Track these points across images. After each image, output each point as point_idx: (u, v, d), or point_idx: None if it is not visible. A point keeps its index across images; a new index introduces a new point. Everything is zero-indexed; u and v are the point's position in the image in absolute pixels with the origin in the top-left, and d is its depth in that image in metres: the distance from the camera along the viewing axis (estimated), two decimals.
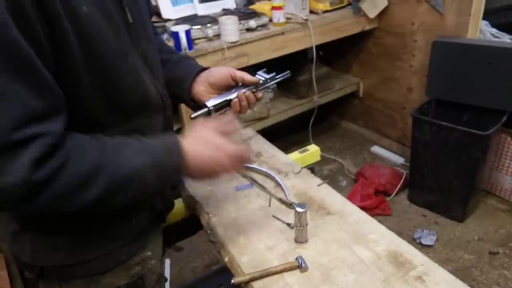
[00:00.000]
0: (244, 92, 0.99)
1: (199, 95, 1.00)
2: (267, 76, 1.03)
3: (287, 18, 2.23)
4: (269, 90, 1.05)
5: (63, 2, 0.63)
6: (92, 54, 0.69)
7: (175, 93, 1.01)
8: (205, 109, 0.95)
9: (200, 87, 1.00)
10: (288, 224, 0.99)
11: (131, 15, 0.80)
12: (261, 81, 1.02)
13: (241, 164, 0.88)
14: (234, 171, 0.88)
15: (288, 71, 1.07)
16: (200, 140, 0.82)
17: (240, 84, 1.01)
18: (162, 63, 0.99)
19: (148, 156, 0.74)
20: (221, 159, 0.81)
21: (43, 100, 0.62)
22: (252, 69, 2.74)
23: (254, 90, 1.01)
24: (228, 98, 0.98)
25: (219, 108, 0.97)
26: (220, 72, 1.00)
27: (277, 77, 1.06)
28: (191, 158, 0.78)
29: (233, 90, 0.99)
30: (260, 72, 1.04)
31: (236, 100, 0.98)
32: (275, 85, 1.06)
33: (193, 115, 0.97)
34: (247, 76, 0.99)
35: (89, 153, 0.67)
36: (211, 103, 0.96)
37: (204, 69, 1.03)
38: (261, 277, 0.86)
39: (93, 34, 0.69)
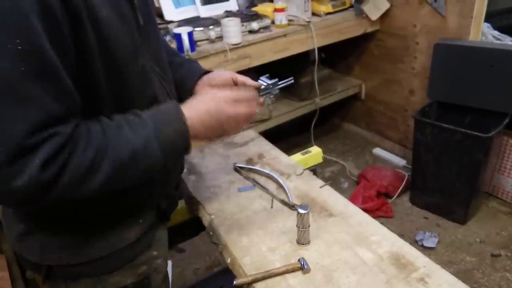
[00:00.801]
0: None
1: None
2: (270, 82, 1.02)
3: (289, 20, 2.24)
4: (271, 96, 1.04)
5: (86, 6, 0.65)
6: (109, 57, 0.71)
7: (177, 94, 1.01)
8: None
9: (201, 90, 1.01)
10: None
11: (142, 17, 0.81)
12: (262, 86, 1.01)
13: (249, 111, 0.85)
14: (244, 120, 0.85)
15: (292, 78, 1.07)
16: (201, 99, 0.82)
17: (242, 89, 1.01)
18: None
19: (148, 130, 0.73)
20: (226, 109, 0.81)
21: (62, 105, 0.63)
22: (255, 74, 2.75)
23: (259, 94, 1.00)
24: None
25: None
26: (222, 75, 1.00)
27: (279, 83, 1.05)
28: (194, 118, 0.78)
29: None
30: (262, 78, 1.03)
31: None
32: (277, 90, 1.05)
33: None
34: (248, 81, 1.00)
35: (93, 139, 0.68)
36: None
37: (206, 72, 1.03)
38: (263, 278, 0.86)
39: (110, 38, 0.70)
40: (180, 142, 0.77)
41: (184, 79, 1.02)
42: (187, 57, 1.08)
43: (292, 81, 1.07)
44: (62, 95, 0.64)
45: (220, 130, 0.83)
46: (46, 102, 0.61)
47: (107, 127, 0.71)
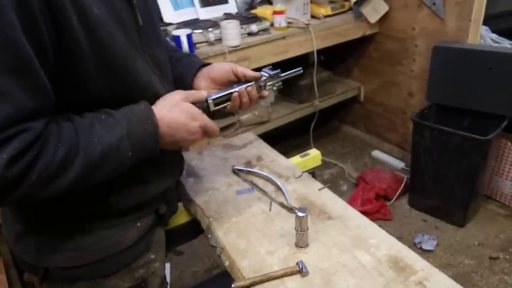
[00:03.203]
0: (246, 88, 0.96)
1: (199, 88, 0.99)
2: (272, 73, 1.00)
3: (289, 23, 2.24)
4: (274, 88, 1.02)
5: (74, 4, 0.64)
6: (102, 57, 0.70)
7: (178, 89, 1.00)
8: (204, 103, 0.91)
9: (201, 82, 1.00)
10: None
11: (141, 18, 0.80)
12: (263, 77, 0.99)
13: (210, 134, 0.89)
14: (200, 139, 0.88)
15: (300, 68, 1.03)
16: (172, 105, 0.82)
17: (242, 80, 0.99)
18: None
19: (120, 129, 0.73)
20: (193, 124, 0.83)
21: (35, 101, 0.62)
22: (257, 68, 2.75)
23: (259, 87, 0.98)
24: (227, 92, 0.94)
25: (219, 102, 0.94)
26: (221, 67, 0.99)
27: (283, 74, 1.02)
28: (164, 122, 0.79)
29: (235, 86, 0.97)
30: (265, 69, 1.01)
31: (236, 94, 0.95)
32: (280, 83, 1.02)
33: None
34: (249, 72, 0.98)
35: (63, 138, 0.67)
36: (209, 97, 0.93)
37: (206, 64, 1.02)
38: (261, 281, 0.86)
39: (104, 36, 0.69)
40: (150, 143, 0.78)
41: (183, 73, 1.01)
42: (185, 53, 1.05)
43: (301, 71, 1.02)
44: (36, 91, 0.62)
45: (180, 141, 0.85)
46: (19, 97, 0.60)
47: (79, 125, 0.70)
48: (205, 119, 0.86)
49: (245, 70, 0.98)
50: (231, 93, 0.95)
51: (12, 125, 0.60)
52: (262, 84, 0.99)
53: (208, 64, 1.03)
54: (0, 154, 0.59)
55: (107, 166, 0.72)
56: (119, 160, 0.74)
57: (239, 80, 0.99)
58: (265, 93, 1.01)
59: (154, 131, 0.78)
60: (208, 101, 0.91)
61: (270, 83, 1.01)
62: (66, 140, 0.67)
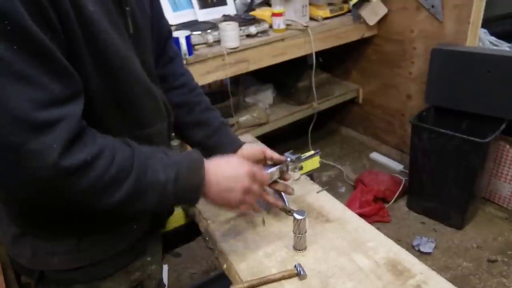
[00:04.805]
0: (273, 173, 1.03)
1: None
2: (293, 157, 1.09)
3: (287, 25, 2.24)
4: (296, 170, 1.11)
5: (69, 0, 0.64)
6: (99, 54, 0.70)
7: (206, 156, 1.03)
8: None
9: None
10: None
11: (134, 26, 0.80)
12: (288, 159, 1.08)
13: (259, 181, 0.90)
14: (248, 186, 0.88)
15: (318, 150, 1.15)
16: (227, 162, 0.87)
17: (270, 162, 1.06)
18: (200, 122, 1.05)
19: (171, 171, 0.76)
20: (239, 170, 0.86)
21: (61, 84, 0.63)
22: (253, 79, 2.75)
23: (283, 169, 1.06)
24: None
25: None
26: (254, 148, 1.07)
27: (303, 157, 1.12)
28: (211, 177, 0.82)
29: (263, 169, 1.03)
30: (287, 153, 1.10)
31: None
32: (301, 165, 1.12)
33: None
34: (275, 155, 1.05)
35: (119, 156, 0.70)
36: None
37: (240, 144, 1.08)
38: (259, 284, 0.86)
39: (100, 34, 0.69)
40: (191, 194, 0.81)
41: (217, 149, 1.05)
42: (220, 117, 1.11)
43: (319, 154, 1.15)
44: (59, 74, 0.63)
45: (229, 197, 0.86)
46: (44, 80, 0.61)
47: (137, 153, 0.73)
48: (252, 166, 0.89)
49: (272, 154, 1.06)
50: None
51: (45, 109, 0.61)
52: (285, 168, 1.07)
53: (242, 143, 1.09)
54: (47, 139, 0.61)
55: (150, 200, 0.75)
56: (160, 198, 0.76)
57: (265, 161, 1.07)
58: (288, 176, 1.08)
59: (199, 185, 0.81)
60: None
61: (291, 166, 1.09)
62: (120, 161, 0.70)
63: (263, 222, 1.05)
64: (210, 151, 1.04)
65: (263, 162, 1.07)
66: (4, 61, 0.58)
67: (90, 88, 0.71)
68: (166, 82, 1.01)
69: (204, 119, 1.06)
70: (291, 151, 1.12)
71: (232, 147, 1.07)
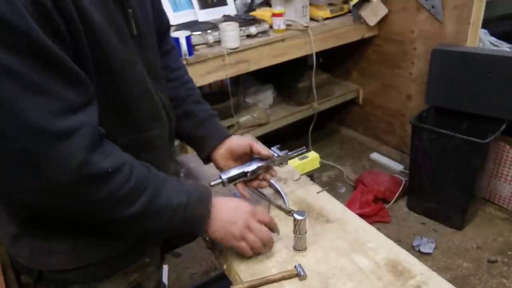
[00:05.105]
0: (257, 168, 1.03)
1: (217, 156, 1.06)
2: (281, 153, 1.08)
3: (288, 25, 2.24)
4: (281, 165, 1.09)
5: (77, 8, 0.65)
6: (101, 62, 0.71)
7: (194, 147, 1.10)
8: (219, 180, 1.01)
9: (221, 150, 1.06)
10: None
11: (137, 27, 0.80)
12: (275, 155, 1.06)
13: (261, 219, 0.93)
14: (249, 222, 0.90)
15: (304, 148, 1.13)
16: (235, 205, 0.91)
17: (255, 157, 1.06)
18: (187, 114, 1.05)
19: (183, 198, 0.79)
20: (243, 205, 0.91)
21: (75, 90, 0.65)
22: (253, 79, 2.75)
23: (269, 164, 1.05)
24: (241, 171, 1.02)
25: (233, 179, 1.02)
26: (240, 141, 1.06)
27: (290, 153, 1.11)
28: (216, 210, 0.86)
29: (247, 164, 1.04)
30: (273, 148, 1.10)
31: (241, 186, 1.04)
32: (287, 161, 1.10)
33: (212, 183, 1.01)
34: (263, 151, 1.04)
35: (136, 173, 0.72)
36: (225, 175, 1.01)
37: (227, 135, 1.08)
38: (259, 285, 0.86)
39: (102, 42, 0.70)
40: (198, 223, 0.85)
41: (206, 138, 1.07)
42: (209, 109, 1.11)
43: (305, 150, 1.13)
44: (73, 82, 0.65)
45: (231, 229, 0.88)
46: (59, 89, 0.63)
47: (153, 175, 0.76)
48: (254, 212, 0.92)
49: (260, 149, 1.04)
50: (245, 172, 1.02)
51: (62, 117, 0.62)
52: (271, 163, 1.06)
53: (229, 135, 1.09)
54: (69, 146, 0.63)
55: (157, 222, 0.77)
56: (168, 223, 0.79)
57: (251, 156, 1.06)
58: (274, 172, 1.07)
59: (205, 214, 0.85)
60: (224, 180, 1.00)
61: (278, 161, 1.08)
62: (138, 178, 0.73)
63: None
64: (198, 142, 1.07)
65: (250, 155, 1.06)
66: (20, 75, 0.59)
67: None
68: None
69: (192, 111, 1.07)
70: (278, 146, 1.11)
71: (220, 138, 1.06)
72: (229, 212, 0.88)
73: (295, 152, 1.12)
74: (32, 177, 0.63)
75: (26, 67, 0.60)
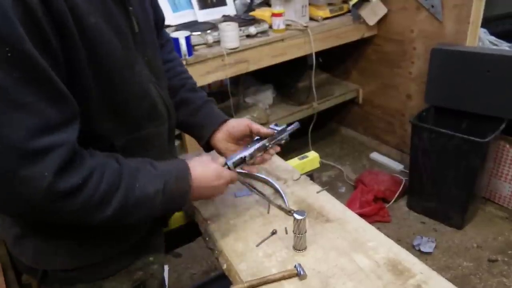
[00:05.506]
0: (258, 149, 1.03)
1: (216, 140, 1.06)
2: (278, 129, 1.08)
3: (287, 25, 2.24)
4: (282, 142, 1.10)
5: (72, 13, 0.64)
6: (99, 66, 0.71)
7: (193, 135, 1.10)
8: (225, 166, 1.00)
9: (220, 134, 1.06)
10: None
11: (138, 24, 0.80)
12: (275, 132, 1.06)
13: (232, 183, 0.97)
14: (222, 193, 0.97)
15: (297, 123, 1.15)
16: (204, 165, 0.89)
17: (256, 138, 1.06)
18: (183, 101, 1.05)
19: (160, 183, 0.78)
20: (220, 183, 0.91)
21: (58, 109, 0.64)
22: (252, 79, 2.75)
23: (268, 143, 1.05)
24: (243, 154, 1.01)
25: (237, 164, 1.01)
26: (239, 123, 1.06)
27: (288, 128, 1.11)
28: (196, 180, 0.85)
29: (249, 146, 1.03)
30: (271, 125, 1.09)
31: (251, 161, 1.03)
32: (287, 137, 1.11)
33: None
34: (262, 129, 1.04)
35: (108, 173, 0.71)
36: (229, 160, 1.00)
37: (225, 119, 1.07)
38: (259, 284, 0.86)
39: (100, 45, 0.70)
40: (178, 201, 0.84)
41: (204, 123, 1.07)
42: (205, 96, 1.12)
43: (299, 126, 1.14)
44: (57, 99, 0.64)
45: (206, 197, 0.94)
46: (41, 107, 0.61)
47: (125, 169, 0.75)
48: (228, 176, 0.93)
49: (259, 128, 1.04)
50: (246, 155, 1.02)
51: (39, 136, 0.61)
52: (272, 141, 1.07)
53: (227, 118, 1.09)
54: (41, 166, 0.62)
55: (138, 213, 0.77)
56: (150, 210, 0.79)
57: (252, 135, 1.06)
58: (272, 151, 1.07)
59: (186, 191, 0.84)
60: (228, 164, 0.98)
61: (278, 138, 1.08)
62: (109, 178, 0.71)
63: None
64: (196, 129, 1.08)
65: (250, 136, 1.06)
66: (2, 89, 0.58)
67: (88, 95, 0.72)
68: None
69: (188, 98, 1.07)
70: (275, 123, 1.11)
71: (217, 123, 1.06)
72: (208, 178, 0.89)
73: (292, 128, 1.12)
74: (7, 192, 0.62)
75: (11, 81, 0.58)
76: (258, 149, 1.03)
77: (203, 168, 0.89)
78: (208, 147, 1.09)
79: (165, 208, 0.81)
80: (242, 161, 1.01)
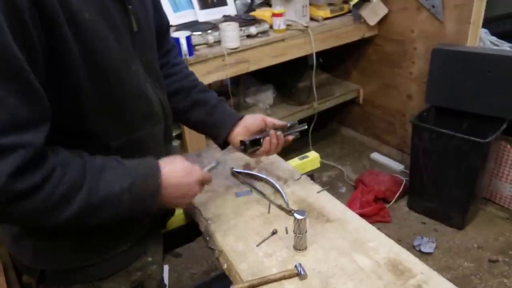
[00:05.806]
0: (275, 132, 1.09)
1: (234, 137, 1.09)
2: (290, 122, 1.16)
3: (288, 25, 2.24)
4: (292, 136, 1.16)
5: (64, 7, 0.63)
6: (94, 63, 0.69)
7: (210, 134, 1.12)
8: (242, 146, 1.07)
9: (237, 129, 1.09)
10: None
11: (137, 23, 0.80)
12: (289, 125, 1.14)
13: (206, 183, 0.96)
14: (198, 192, 0.92)
15: (305, 124, 1.21)
16: (173, 162, 0.85)
17: (271, 129, 1.11)
18: (196, 102, 1.07)
19: (127, 182, 0.74)
20: (191, 179, 0.87)
21: (29, 108, 0.61)
22: (253, 79, 2.74)
23: (284, 133, 1.12)
24: (260, 136, 1.08)
25: (253, 144, 1.07)
26: (255, 118, 1.11)
27: (298, 125, 1.18)
28: (165, 182, 0.80)
29: (264, 133, 1.10)
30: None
31: (267, 138, 1.08)
32: (298, 134, 1.17)
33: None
34: (276, 121, 1.11)
35: (70, 172, 0.67)
36: (246, 140, 1.07)
37: (241, 116, 1.12)
38: (259, 284, 0.85)
39: (95, 42, 0.68)
40: (149, 201, 0.79)
41: (221, 123, 1.10)
42: (217, 96, 1.14)
43: (306, 126, 1.21)
44: (29, 97, 0.61)
45: (180, 197, 0.86)
46: (12, 103, 0.59)
47: (89, 166, 0.70)
48: (199, 173, 0.90)
49: (273, 121, 1.11)
50: (263, 136, 1.08)
51: (8, 133, 0.59)
52: (286, 132, 1.14)
53: (242, 116, 1.13)
54: (1, 162, 0.58)
55: (105, 213, 0.73)
56: (116, 209, 0.74)
57: (266, 129, 1.11)
58: (290, 137, 1.14)
59: (155, 189, 0.79)
60: (246, 142, 1.06)
61: (291, 131, 1.16)
62: (72, 177, 0.67)
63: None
64: (213, 128, 1.10)
65: (264, 130, 1.10)
66: None
67: (82, 95, 0.70)
68: (162, 71, 1.02)
69: (202, 99, 1.09)
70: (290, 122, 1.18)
71: (235, 120, 1.10)
72: (178, 173, 0.84)
73: (301, 126, 1.18)
74: None
75: None
76: (273, 134, 1.09)
77: (172, 164, 0.84)
78: (224, 146, 1.12)
79: (134, 208, 0.76)
80: (257, 142, 1.07)
